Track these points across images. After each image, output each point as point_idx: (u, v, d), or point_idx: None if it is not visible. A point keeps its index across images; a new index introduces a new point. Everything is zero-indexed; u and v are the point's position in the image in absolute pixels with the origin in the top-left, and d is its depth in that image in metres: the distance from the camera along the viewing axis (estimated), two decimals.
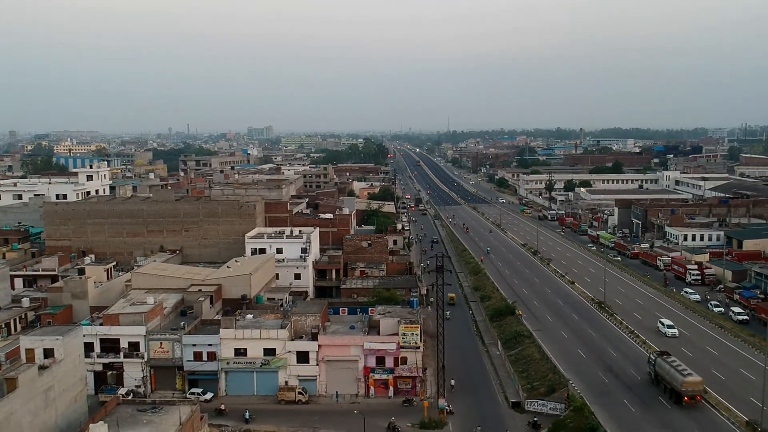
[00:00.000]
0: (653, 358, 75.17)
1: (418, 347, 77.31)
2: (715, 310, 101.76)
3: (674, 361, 71.90)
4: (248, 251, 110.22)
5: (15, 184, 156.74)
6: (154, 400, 67.95)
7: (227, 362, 77.34)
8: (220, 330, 77.42)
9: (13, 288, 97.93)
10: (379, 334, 79.34)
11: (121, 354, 77.45)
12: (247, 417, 70.52)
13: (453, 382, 78.63)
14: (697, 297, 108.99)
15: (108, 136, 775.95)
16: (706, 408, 66.98)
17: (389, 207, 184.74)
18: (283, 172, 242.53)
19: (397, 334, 77.53)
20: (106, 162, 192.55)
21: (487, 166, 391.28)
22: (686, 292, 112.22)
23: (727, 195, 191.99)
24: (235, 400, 76.08)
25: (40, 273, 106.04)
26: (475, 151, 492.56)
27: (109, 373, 77.90)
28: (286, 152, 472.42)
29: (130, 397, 71.42)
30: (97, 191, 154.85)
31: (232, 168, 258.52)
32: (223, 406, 72.81)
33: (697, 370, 70.68)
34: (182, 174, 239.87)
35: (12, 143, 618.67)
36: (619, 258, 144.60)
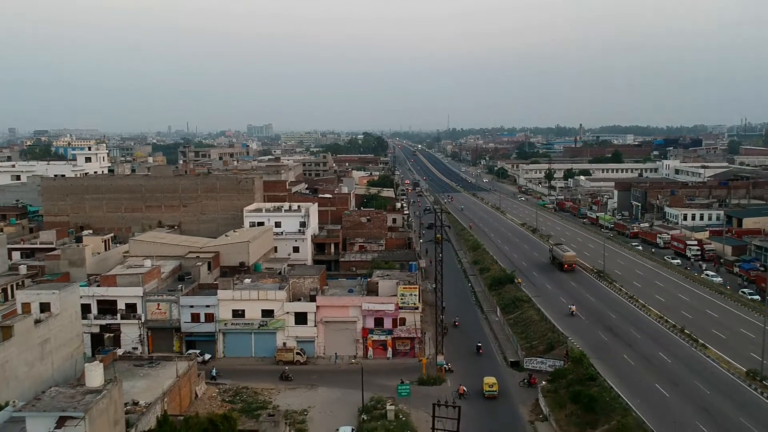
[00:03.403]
0: (551, 247, 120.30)
1: (417, 308, 76.92)
2: (750, 298, 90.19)
3: (561, 245, 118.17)
4: (246, 225, 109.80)
5: (13, 166, 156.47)
6: (152, 355, 67.91)
7: (225, 324, 77.03)
8: (218, 291, 77.10)
9: (10, 259, 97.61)
10: (377, 296, 78.97)
11: (118, 316, 77.16)
12: (214, 374, 70.69)
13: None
14: (720, 279, 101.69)
15: (107, 134, 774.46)
16: (579, 271, 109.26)
17: (388, 193, 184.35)
18: (282, 162, 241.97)
19: (395, 296, 77.19)
20: (104, 145, 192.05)
21: (487, 159, 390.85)
22: (707, 274, 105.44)
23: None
24: (233, 362, 75.88)
25: (38, 246, 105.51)
26: (474, 146, 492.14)
27: (107, 335, 77.49)
28: (286, 147, 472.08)
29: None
30: (95, 173, 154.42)
31: (232, 156, 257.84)
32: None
33: None
34: (181, 162, 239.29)
35: (11, 140, 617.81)
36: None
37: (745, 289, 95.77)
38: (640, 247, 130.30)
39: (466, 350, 79.09)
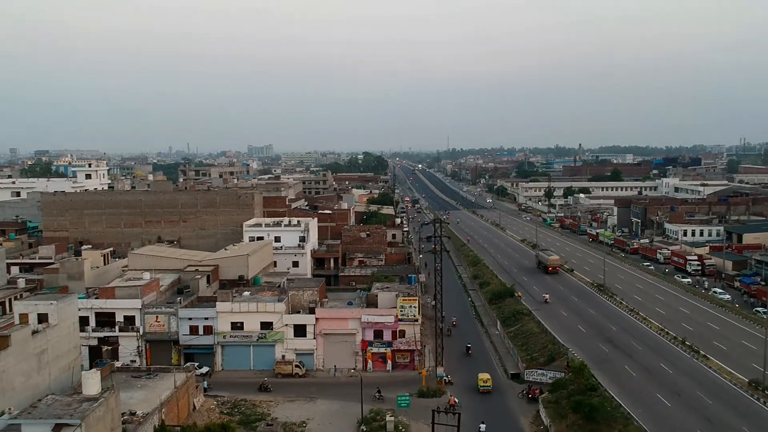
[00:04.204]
0: (536, 252, 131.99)
1: (417, 320, 76.51)
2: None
3: (545, 250, 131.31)
4: (246, 239, 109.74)
5: (14, 182, 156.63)
6: (149, 367, 67.49)
7: (223, 336, 76.57)
8: (217, 303, 76.79)
9: (9, 274, 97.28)
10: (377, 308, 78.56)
11: (117, 328, 76.75)
12: (206, 386, 70.27)
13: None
14: (728, 297, 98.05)
15: (108, 155, 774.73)
16: (563, 273, 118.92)
17: (388, 210, 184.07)
18: (282, 180, 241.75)
19: (395, 308, 76.79)
20: (105, 162, 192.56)
21: (487, 177, 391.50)
22: (715, 291, 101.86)
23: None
24: (232, 375, 75.34)
25: (37, 261, 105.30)
26: (474, 165, 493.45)
27: (104, 348, 76.92)
28: (286, 167, 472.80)
29: None
30: (95, 189, 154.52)
31: (232, 174, 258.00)
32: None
33: None
34: (181, 180, 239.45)
35: (12, 160, 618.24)
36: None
37: (759, 308, 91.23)
38: (652, 267, 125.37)
39: (458, 352, 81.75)
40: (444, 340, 76.41)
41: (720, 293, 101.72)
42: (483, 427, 58.25)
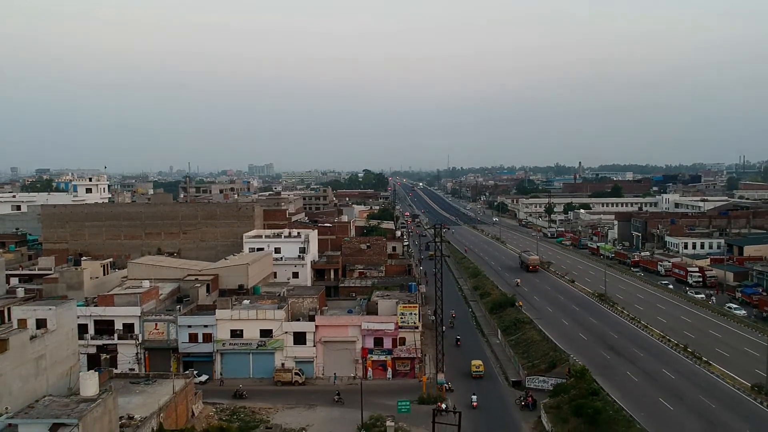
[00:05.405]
0: (520, 253, 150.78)
1: (417, 327, 76.16)
2: None
3: (528, 252, 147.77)
4: (246, 250, 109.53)
5: (14, 196, 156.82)
6: (148, 374, 67.06)
7: (223, 344, 76.13)
8: (216, 311, 76.44)
9: (8, 285, 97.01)
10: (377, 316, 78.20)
11: (116, 336, 76.40)
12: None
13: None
14: (743, 312, 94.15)
15: (110, 173, 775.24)
16: (542, 271, 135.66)
17: (388, 225, 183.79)
18: (283, 196, 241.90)
19: (395, 315, 76.47)
20: (105, 177, 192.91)
21: (487, 195, 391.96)
22: (729, 307, 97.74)
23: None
24: (231, 383, 74.68)
25: (37, 272, 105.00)
26: (474, 182, 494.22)
27: (103, 356, 76.55)
28: (287, 184, 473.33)
29: None
30: (96, 203, 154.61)
31: (233, 190, 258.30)
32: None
33: None
34: (182, 196, 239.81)
35: (14, 178, 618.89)
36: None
37: None
38: (671, 286, 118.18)
39: (449, 345, 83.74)
40: (444, 334, 77.00)
41: (735, 308, 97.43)
42: (474, 398, 65.24)
